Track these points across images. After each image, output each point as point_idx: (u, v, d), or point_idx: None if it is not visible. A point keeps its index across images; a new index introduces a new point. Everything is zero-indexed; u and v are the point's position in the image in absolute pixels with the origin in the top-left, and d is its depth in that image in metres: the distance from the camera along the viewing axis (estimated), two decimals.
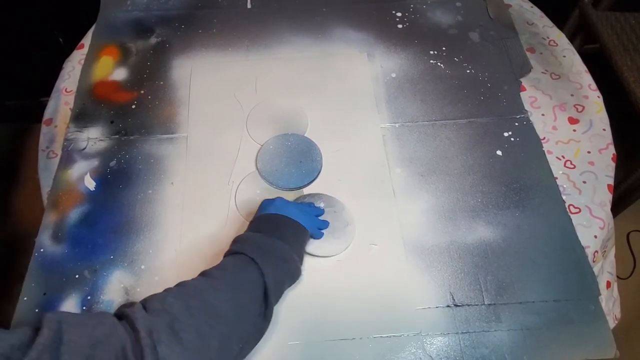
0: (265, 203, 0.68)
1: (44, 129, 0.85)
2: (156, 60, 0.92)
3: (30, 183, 0.81)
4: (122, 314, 0.46)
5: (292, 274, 0.62)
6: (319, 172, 0.77)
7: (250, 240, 0.60)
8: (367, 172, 0.78)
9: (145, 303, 0.48)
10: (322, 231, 0.70)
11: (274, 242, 0.60)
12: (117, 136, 0.82)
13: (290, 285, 0.63)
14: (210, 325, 0.47)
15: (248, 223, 0.66)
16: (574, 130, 0.84)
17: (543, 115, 0.86)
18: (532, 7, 1.06)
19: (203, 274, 0.56)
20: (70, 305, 0.65)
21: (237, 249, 0.59)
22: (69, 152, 0.80)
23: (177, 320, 0.46)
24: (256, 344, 0.56)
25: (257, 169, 0.77)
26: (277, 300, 0.59)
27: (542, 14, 1.04)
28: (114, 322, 0.44)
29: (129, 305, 0.48)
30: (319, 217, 0.72)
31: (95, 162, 0.79)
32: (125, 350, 0.41)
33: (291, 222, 0.64)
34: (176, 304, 0.48)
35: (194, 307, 0.48)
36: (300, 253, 0.64)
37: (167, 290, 0.52)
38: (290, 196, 0.75)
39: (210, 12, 1.01)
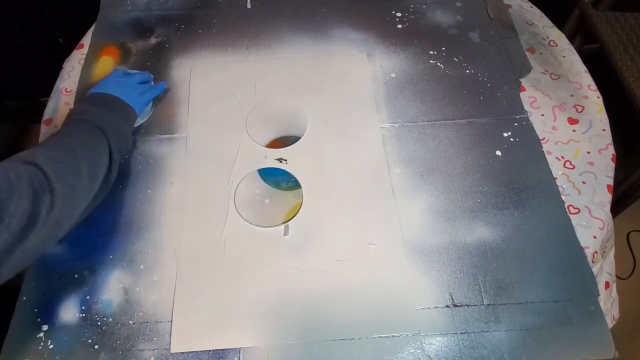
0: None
1: (44, 129, 0.85)
2: (156, 60, 0.92)
3: None
4: (27, 162, 0.57)
5: (124, 147, 0.74)
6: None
7: (93, 110, 0.71)
8: (367, 172, 0.78)
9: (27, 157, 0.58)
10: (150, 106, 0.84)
11: (114, 118, 0.71)
12: None
13: (129, 126, 0.75)
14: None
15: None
16: (574, 131, 0.84)
17: (543, 115, 0.86)
18: (532, 7, 1.06)
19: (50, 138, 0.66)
20: (70, 305, 0.66)
21: (84, 117, 0.69)
22: None
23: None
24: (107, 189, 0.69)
25: None
26: (123, 148, 0.72)
27: (542, 14, 1.04)
28: (26, 167, 0.56)
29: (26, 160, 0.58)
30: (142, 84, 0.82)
31: None
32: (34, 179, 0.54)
33: (120, 101, 0.74)
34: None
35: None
36: (130, 126, 0.76)
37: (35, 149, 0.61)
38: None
39: (210, 12, 1.01)
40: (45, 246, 0.57)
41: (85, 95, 0.75)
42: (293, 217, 0.73)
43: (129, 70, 0.85)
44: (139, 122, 0.83)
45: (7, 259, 0.51)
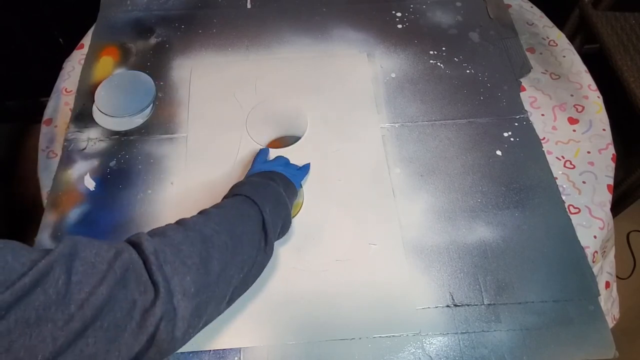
0: (255, 163, 0.73)
1: (44, 129, 0.85)
2: (156, 60, 0.92)
3: (30, 183, 0.81)
4: (129, 241, 0.47)
5: (286, 217, 0.63)
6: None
7: (246, 183, 0.63)
8: (367, 172, 0.78)
9: (149, 233, 0.50)
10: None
11: (269, 184, 0.63)
12: (116, 136, 0.82)
13: (283, 232, 0.64)
14: (209, 252, 0.49)
15: None
16: (574, 131, 0.84)
17: (543, 115, 0.86)
18: (532, 7, 1.06)
19: (202, 212, 0.57)
20: None
21: (235, 192, 0.61)
22: (69, 152, 0.80)
23: (180, 245, 0.48)
24: (257, 276, 0.58)
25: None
26: (274, 238, 0.60)
27: (542, 14, 1.04)
28: (124, 245, 0.45)
29: (134, 235, 0.48)
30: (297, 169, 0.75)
31: (95, 162, 0.79)
32: (135, 267, 0.43)
33: (281, 175, 0.68)
34: (178, 233, 0.50)
35: (194, 237, 0.50)
36: (291, 200, 0.66)
37: (167, 225, 0.53)
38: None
39: (210, 12, 1.01)
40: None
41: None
42: (294, 216, 0.73)
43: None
44: (139, 122, 0.83)
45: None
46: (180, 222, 0.53)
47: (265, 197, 0.60)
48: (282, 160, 0.75)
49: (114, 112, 0.82)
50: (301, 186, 0.75)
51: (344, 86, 0.89)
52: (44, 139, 0.84)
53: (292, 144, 0.81)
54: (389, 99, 0.87)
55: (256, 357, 0.63)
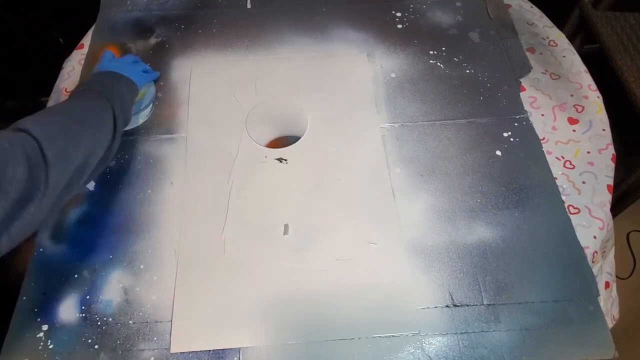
0: (103, 60, 0.79)
1: None
2: (156, 60, 0.92)
3: None
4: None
5: (127, 116, 0.72)
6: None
7: (96, 81, 0.71)
8: (367, 172, 0.78)
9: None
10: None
11: (114, 83, 0.72)
12: None
13: (132, 97, 0.76)
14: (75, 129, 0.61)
15: (245, 225, 0.66)
16: (574, 131, 0.84)
17: (543, 115, 0.86)
18: (532, 7, 1.06)
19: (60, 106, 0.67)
20: (70, 305, 0.66)
21: (88, 87, 0.70)
22: None
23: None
24: (108, 158, 0.68)
25: None
26: (125, 116, 0.71)
27: (542, 14, 1.04)
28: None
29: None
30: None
31: None
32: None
33: (125, 77, 0.75)
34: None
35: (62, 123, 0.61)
36: (132, 100, 0.76)
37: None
38: None
39: (210, 12, 1.01)
40: (44, 216, 0.54)
41: (90, 73, 0.77)
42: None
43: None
44: (139, 122, 0.83)
45: (6, 228, 0.49)
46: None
47: (114, 96, 0.69)
48: (130, 59, 0.82)
49: None
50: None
51: (344, 86, 0.89)
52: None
53: (292, 144, 0.81)
54: (389, 99, 0.87)
55: (256, 357, 0.63)
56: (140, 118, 0.83)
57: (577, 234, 0.72)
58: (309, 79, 0.90)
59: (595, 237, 0.73)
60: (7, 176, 0.48)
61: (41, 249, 0.70)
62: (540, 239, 0.72)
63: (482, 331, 0.65)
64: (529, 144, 0.82)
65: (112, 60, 0.80)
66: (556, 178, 0.78)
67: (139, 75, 0.79)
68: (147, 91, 0.84)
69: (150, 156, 0.80)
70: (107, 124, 0.66)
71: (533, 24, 1.02)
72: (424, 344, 0.64)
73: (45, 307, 0.65)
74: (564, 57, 0.95)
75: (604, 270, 0.77)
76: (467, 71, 0.91)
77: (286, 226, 0.73)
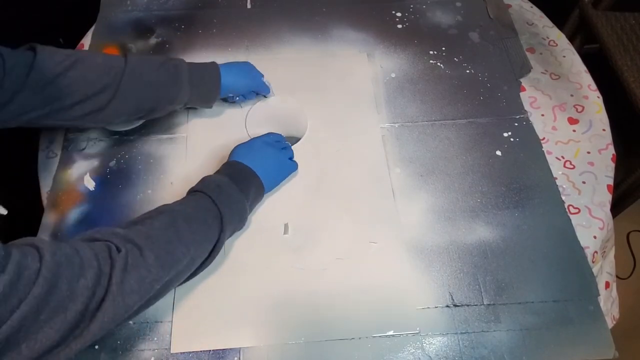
0: (241, 148, 0.72)
1: (44, 129, 0.85)
2: None
3: (30, 183, 0.81)
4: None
5: (238, 227, 0.67)
6: None
7: (223, 188, 0.64)
8: (367, 172, 0.78)
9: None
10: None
11: (240, 200, 0.65)
12: (116, 136, 0.82)
13: (254, 203, 0.70)
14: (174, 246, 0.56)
15: (246, 223, 0.66)
16: (574, 131, 0.84)
17: (543, 115, 0.86)
18: (532, 7, 1.06)
19: (163, 210, 0.60)
20: None
21: (201, 189, 0.64)
22: (69, 152, 0.80)
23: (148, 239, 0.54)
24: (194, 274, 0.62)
25: None
26: (234, 227, 0.66)
27: (542, 14, 1.04)
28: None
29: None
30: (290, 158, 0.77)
31: (94, 162, 0.79)
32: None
33: (258, 182, 0.68)
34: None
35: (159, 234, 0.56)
36: (251, 207, 0.69)
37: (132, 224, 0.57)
38: None
39: (210, 12, 1.01)
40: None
41: (229, 160, 0.71)
42: None
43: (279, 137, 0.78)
44: (139, 122, 0.83)
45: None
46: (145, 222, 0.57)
47: (231, 216, 0.63)
48: (277, 145, 0.75)
49: None
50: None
51: (344, 86, 0.89)
52: (44, 139, 0.84)
53: (292, 144, 0.81)
54: (389, 99, 0.87)
55: (256, 357, 0.63)
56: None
57: (577, 234, 0.72)
58: (309, 79, 0.90)
59: (595, 237, 0.73)
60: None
61: None
62: (540, 239, 0.72)
63: (482, 331, 0.65)
64: (529, 144, 0.82)
65: (266, 147, 0.73)
66: (556, 178, 0.78)
67: (281, 169, 0.75)
68: None
69: (150, 156, 0.80)
70: (209, 241, 0.60)
71: (533, 24, 1.02)
72: (424, 344, 0.64)
73: None
74: (564, 57, 0.95)
75: (604, 270, 0.78)
76: (467, 71, 0.91)
77: (286, 226, 0.72)
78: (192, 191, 0.65)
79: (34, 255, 0.43)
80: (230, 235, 0.65)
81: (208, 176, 0.66)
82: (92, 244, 0.50)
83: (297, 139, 0.82)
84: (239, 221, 0.66)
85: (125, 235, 0.53)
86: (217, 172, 0.68)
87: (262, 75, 0.84)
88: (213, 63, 0.78)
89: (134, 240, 0.52)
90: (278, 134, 0.77)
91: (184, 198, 0.64)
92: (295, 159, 0.77)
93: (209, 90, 0.78)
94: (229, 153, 0.72)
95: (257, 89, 0.84)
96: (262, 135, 0.76)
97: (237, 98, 0.83)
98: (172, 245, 0.55)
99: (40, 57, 0.64)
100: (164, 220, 0.58)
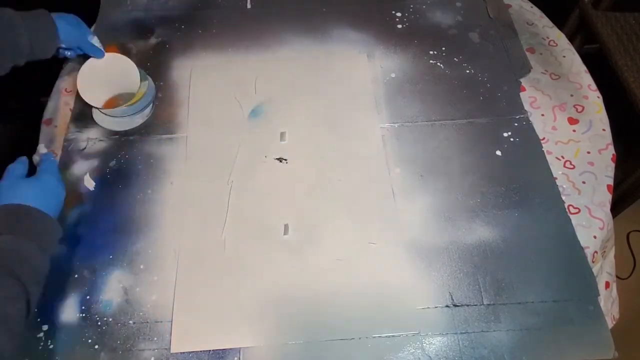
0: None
1: (44, 129, 0.85)
2: (156, 60, 0.92)
3: None
4: None
5: (44, 265, 0.60)
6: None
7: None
8: (367, 172, 0.78)
9: None
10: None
11: (22, 247, 0.56)
12: (116, 136, 0.82)
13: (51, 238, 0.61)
14: None
15: (245, 225, 0.65)
16: (574, 131, 0.84)
17: (543, 115, 0.86)
18: (532, 7, 1.06)
19: None
20: (70, 305, 0.66)
21: None
22: (69, 152, 0.80)
23: None
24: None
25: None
26: (39, 290, 0.58)
27: (542, 14, 1.04)
28: None
29: None
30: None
31: (95, 162, 0.79)
32: None
33: (37, 215, 0.60)
34: None
35: None
36: (51, 241, 0.61)
37: None
38: None
39: (210, 12, 1.01)
40: None
41: None
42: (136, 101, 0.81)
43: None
44: (139, 122, 0.83)
45: None
46: None
47: (24, 268, 0.55)
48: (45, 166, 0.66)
49: (114, 112, 0.82)
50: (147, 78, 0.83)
51: (344, 86, 0.89)
52: (44, 139, 0.84)
53: (128, 101, 0.81)
54: (389, 99, 0.87)
55: (256, 357, 0.63)
56: (140, 118, 0.83)
57: (577, 234, 0.72)
58: (309, 79, 0.90)
59: (595, 237, 0.73)
60: None
61: None
62: (540, 239, 0.72)
63: (482, 331, 0.65)
64: (529, 144, 0.82)
65: (16, 182, 0.63)
66: (556, 178, 0.78)
67: (55, 203, 0.65)
68: (147, 91, 0.84)
69: (150, 156, 0.80)
70: (18, 313, 0.53)
71: (533, 24, 1.01)
72: (424, 344, 0.64)
73: (45, 307, 0.65)
74: (564, 57, 0.95)
75: (604, 270, 0.77)
76: (467, 71, 0.91)
77: (286, 226, 0.73)
78: None
79: None
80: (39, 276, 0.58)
81: None
82: None
83: (131, 96, 0.81)
84: (36, 268, 0.57)
85: None
86: None
87: (93, 35, 0.80)
88: (43, 11, 0.72)
89: None
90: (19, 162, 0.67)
91: None
92: (295, 158, 0.77)
93: (47, 37, 0.72)
94: (229, 153, 0.71)
95: (85, 48, 0.79)
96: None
97: (69, 53, 0.79)
98: None
99: None
100: None
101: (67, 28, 0.75)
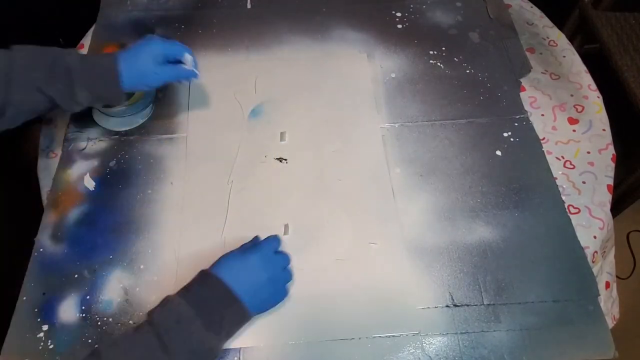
0: (229, 261, 0.59)
1: (44, 129, 0.85)
2: None
3: (30, 183, 0.81)
4: None
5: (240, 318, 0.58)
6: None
7: (177, 318, 0.53)
8: (367, 172, 0.78)
9: None
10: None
11: (201, 335, 0.53)
12: (116, 136, 0.82)
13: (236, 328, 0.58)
14: None
15: (245, 225, 0.65)
16: (574, 131, 0.84)
17: (543, 115, 0.86)
18: (532, 7, 1.06)
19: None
20: (70, 305, 0.66)
21: (154, 321, 0.53)
22: (69, 152, 0.80)
23: None
24: None
25: None
26: None
27: (542, 14, 1.04)
28: None
29: None
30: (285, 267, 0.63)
31: (94, 162, 0.79)
32: None
33: (237, 309, 0.56)
34: None
35: None
36: (227, 338, 0.57)
37: None
38: None
39: (210, 12, 1.01)
40: None
41: (210, 269, 0.58)
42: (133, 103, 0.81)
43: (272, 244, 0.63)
44: (139, 122, 0.83)
45: None
46: None
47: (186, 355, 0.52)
48: (274, 260, 0.61)
49: (113, 112, 0.82)
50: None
51: (344, 86, 0.89)
52: (44, 139, 0.84)
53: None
54: (389, 99, 0.87)
55: (256, 357, 0.63)
56: (140, 118, 0.83)
57: (578, 233, 0.72)
58: (309, 79, 0.90)
59: (595, 237, 0.73)
60: None
61: (41, 249, 0.70)
62: (541, 238, 0.72)
63: (482, 331, 0.65)
64: (529, 144, 0.82)
65: (261, 264, 0.59)
66: (556, 178, 0.78)
67: (276, 292, 0.62)
68: (147, 91, 0.84)
69: (150, 156, 0.80)
70: None
71: (533, 24, 1.02)
72: (424, 344, 0.64)
73: (45, 307, 0.65)
74: (564, 57, 0.95)
75: (604, 270, 0.77)
76: (467, 71, 0.91)
77: (286, 226, 0.73)
78: (145, 321, 0.53)
79: None
80: None
81: (171, 299, 0.55)
82: None
83: (131, 94, 0.80)
84: None
85: None
86: (186, 290, 0.56)
87: (190, 52, 0.71)
88: (109, 56, 0.68)
89: None
90: (275, 239, 0.63)
91: (133, 329, 0.53)
92: (295, 158, 0.77)
93: (107, 93, 0.69)
94: (229, 153, 0.70)
95: (176, 78, 0.73)
96: (260, 244, 0.62)
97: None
98: None
99: None
100: None
101: (140, 73, 0.68)
